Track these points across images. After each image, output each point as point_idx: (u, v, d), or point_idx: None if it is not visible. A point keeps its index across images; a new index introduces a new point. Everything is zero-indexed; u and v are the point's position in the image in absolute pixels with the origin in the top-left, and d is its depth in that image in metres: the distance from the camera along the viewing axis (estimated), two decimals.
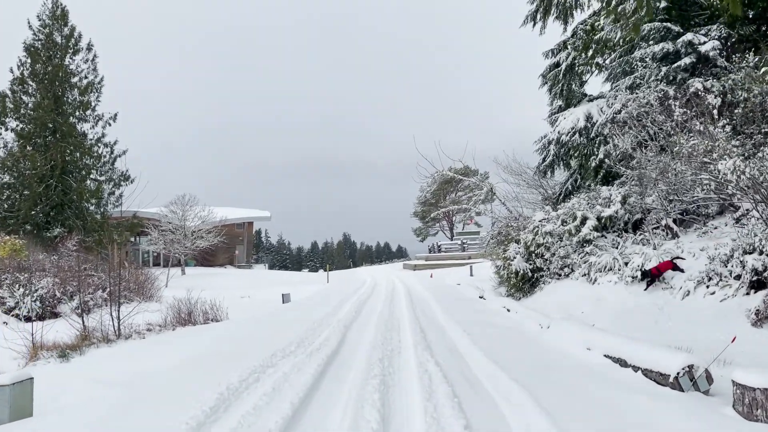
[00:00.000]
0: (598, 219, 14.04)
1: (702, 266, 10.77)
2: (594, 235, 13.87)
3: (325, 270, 41.46)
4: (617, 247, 13.10)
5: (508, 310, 13.56)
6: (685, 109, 11.98)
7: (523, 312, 12.52)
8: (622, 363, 6.67)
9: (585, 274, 13.25)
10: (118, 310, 13.36)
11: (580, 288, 12.98)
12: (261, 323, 13.46)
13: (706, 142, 10.33)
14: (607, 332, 8.30)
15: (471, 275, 30.17)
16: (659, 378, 5.87)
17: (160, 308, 16.04)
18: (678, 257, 11.27)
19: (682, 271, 10.99)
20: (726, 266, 10.18)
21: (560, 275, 14.42)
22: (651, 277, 11.19)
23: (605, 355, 7.14)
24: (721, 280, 10.13)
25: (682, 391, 5.52)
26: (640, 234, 13.18)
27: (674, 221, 12.62)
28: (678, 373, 5.57)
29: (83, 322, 13.29)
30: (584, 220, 14.13)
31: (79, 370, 8.69)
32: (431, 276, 34.11)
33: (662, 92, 13.95)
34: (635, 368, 6.35)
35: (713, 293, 10.04)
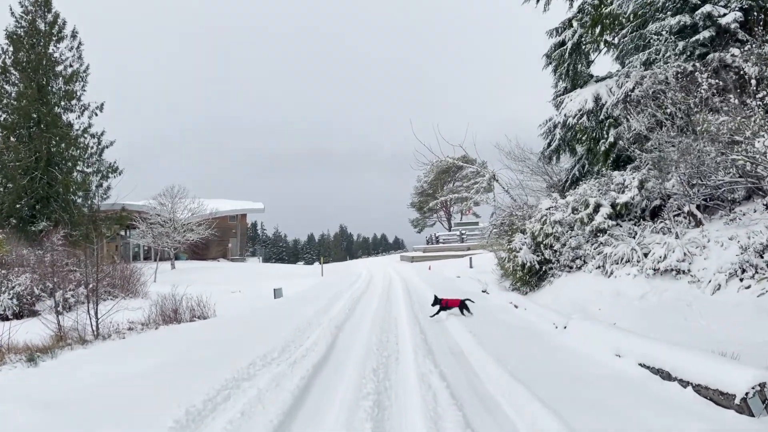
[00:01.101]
0: (613, 206, 12.90)
1: (733, 257, 9.67)
2: (609, 224, 12.73)
3: (320, 262, 40.26)
4: (635, 237, 11.98)
5: (516, 306, 12.46)
6: (717, 80, 10.82)
7: (533, 308, 11.42)
8: (665, 375, 5.54)
9: (599, 267, 12.15)
10: (96, 308, 12.36)
11: (594, 282, 11.89)
12: (246, 323, 12.36)
13: (739, 117, 9.18)
14: (637, 334, 7.20)
15: (470, 267, 29.15)
16: (719, 398, 4.74)
17: (142, 306, 15.19)
18: (469, 299, 11.88)
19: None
20: (762, 257, 9.10)
21: (571, 268, 13.32)
22: (441, 306, 11.62)
23: (641, 364, 6.01)
24: (757, 272, 9.03)
25: (753, 416, 4.41)
26: (660, 222, 12.05)
27: (698, 207, 11.50)
28: (747, 394, 4.45)
29: (59, 322, 12.42)
30: (597, 207, 12.99)
31: (35, 380, 7.61)
32: (429, 268, 33.04)
33: (681, 68, 12.80)
34: (683, 383, 5.22)
35: (748, 287, 8.94)
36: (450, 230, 58.15)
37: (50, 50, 36.82)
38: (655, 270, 10.57)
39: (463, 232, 49.10)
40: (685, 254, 10.41)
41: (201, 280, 28.47)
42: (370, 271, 32.49)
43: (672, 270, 10.35)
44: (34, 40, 36.27)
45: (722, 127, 9.95)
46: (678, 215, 11.84)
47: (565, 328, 8.69)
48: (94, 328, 11.95)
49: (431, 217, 70.10)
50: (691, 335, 7.87)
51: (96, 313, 12.23)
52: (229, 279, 31.69)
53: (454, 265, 32.10)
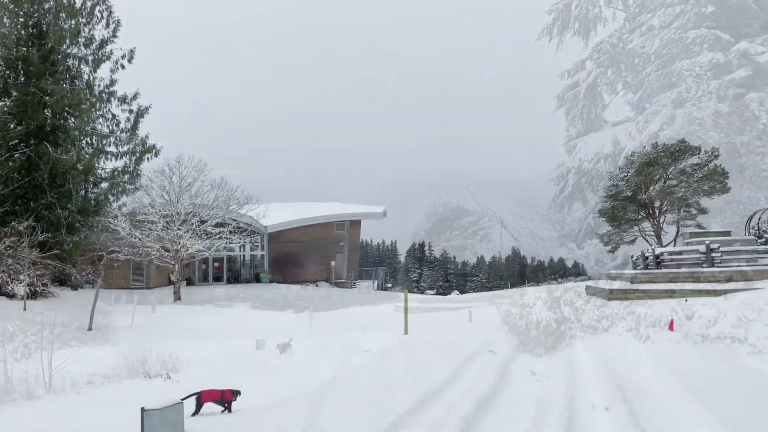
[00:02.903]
0: (645, 258, 11.34)
1: None
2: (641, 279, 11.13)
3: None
4: (672, 296, 10.36)
5: (533, 373, 10.65)
6: None
7: (557, 376, 9.67)
8: None
9: (632, 329, 10.50)
10: (51, 358, 11.20)
11: (626, 347, 10.22)
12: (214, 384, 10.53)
13: None
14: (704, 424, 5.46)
15: (470, 321, 27.37)
16: None
17: (103, 356, 13.72)
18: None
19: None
20: None
21: (596, 329, 11.62)
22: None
23: None
24: None
25: None
26: (703, 280, 10.47)
27: (746, 262, 9.95)
28: None
29: (6, 373, 10.79)
30: (627, 259, 11.43)
31: None
32: (426, 321, 31.16)
33: (718, 107, 11.48)
34: None
35: None
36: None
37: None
38: (703, 337, 8.93)
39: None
40: (739, 319, 8.81)
41: (185, 325, 26.42)
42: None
43: (725, 337, 8.72)
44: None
45: None
46: (724, 272, 10.28)
47: (606, 409, 6.94)
48: (47, 380, 10.96)
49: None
50: None
51: (50, 364, 11.12)
52: (212, 325, 29.61)
53: (452, 318, 30.20)
